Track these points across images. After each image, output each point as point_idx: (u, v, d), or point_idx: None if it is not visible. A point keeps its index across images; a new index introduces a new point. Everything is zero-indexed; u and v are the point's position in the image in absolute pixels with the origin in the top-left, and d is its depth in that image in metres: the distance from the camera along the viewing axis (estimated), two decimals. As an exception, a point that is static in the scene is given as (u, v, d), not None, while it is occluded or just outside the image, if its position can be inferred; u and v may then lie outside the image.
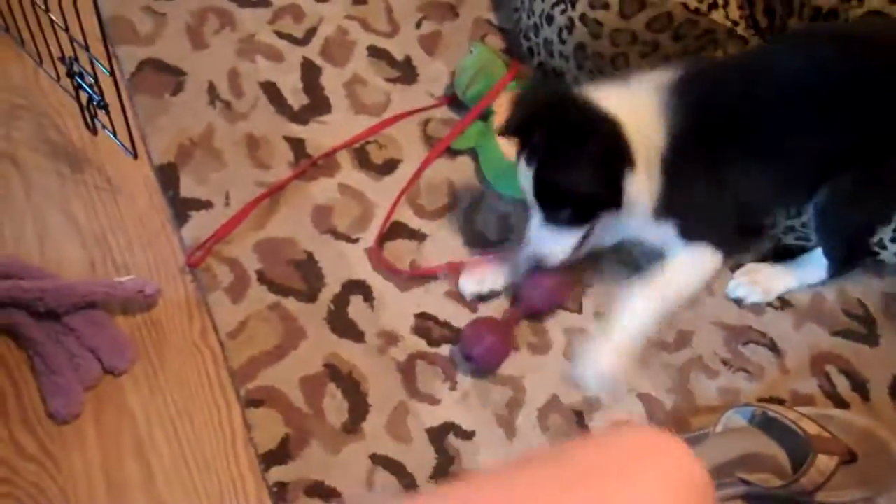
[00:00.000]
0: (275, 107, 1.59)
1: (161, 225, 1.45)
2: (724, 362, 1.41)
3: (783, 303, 1.48)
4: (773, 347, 1.43)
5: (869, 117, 1.30)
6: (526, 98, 1.39)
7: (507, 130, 1.37)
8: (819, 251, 1.44)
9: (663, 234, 1.36)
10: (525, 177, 1.32)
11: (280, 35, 1.69)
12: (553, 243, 1.35)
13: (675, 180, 1.31)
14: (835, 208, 1.35)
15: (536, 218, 1.35)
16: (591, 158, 1.27)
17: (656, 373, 1.39)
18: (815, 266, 1.46)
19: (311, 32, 1.70)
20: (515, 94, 1.48)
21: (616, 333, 1.32)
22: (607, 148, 1.28)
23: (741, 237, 1.45)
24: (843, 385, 1.41)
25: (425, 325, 1.40)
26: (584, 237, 1.36)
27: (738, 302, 1.48)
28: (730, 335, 1.44)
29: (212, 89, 1.59)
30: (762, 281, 1.48)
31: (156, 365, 1.33)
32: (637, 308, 1.34)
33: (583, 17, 1.50)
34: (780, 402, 1.37)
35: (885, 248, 1.45)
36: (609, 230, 1.40)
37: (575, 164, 1.28)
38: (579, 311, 1.44)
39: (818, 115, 1.30)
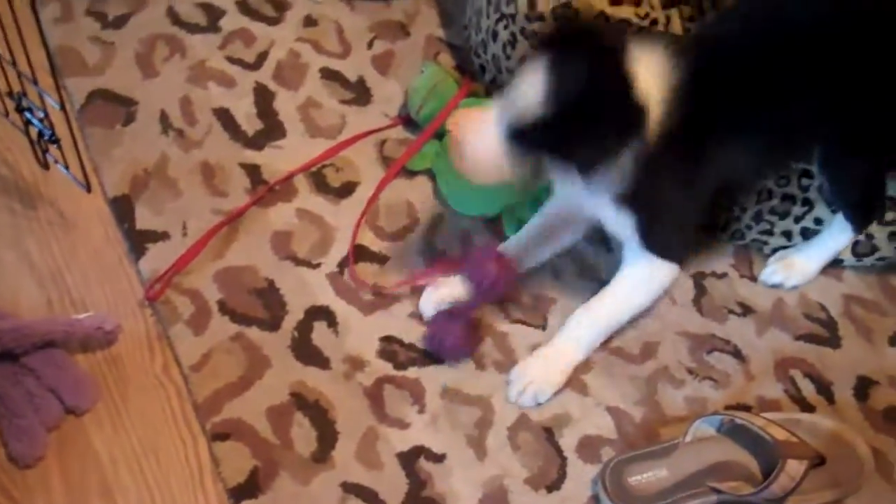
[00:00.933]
0: (229, 133, 1.58)
1: (118, 259, 1.43)
2: (690, 371, 1.42)
3: (745, 309, 1.49)
4: (737, 354, 1.44)
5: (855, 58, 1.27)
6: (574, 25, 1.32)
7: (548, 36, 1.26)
8: (838, 218, 1.46)
9: (620, 225, 1.33)
10: (527, 80, 1.20)
11: (231, 60, 1.68)
12: (481, 139, 1.23)
13: (650, 172, 1.23)
14: (837, 156, 1.37)
15: (495, 110, 1.23)
16: (602, 133, 1.18)
17: (623, 385, 1.39)
18: (836, 235, 1.47)
19: (263, 56, 1.69)
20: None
21: (553, 350, 1.38)
22: (621, 130, 1.18)
23: (699, 237, 1.45)
24: (808, 389, 1.41)
25: (391, 348, 1.39)
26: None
27: (776, 287, 1.51)
28: (694, 344, 1.44)
29: (164, 118, 1.58)
30: (797, 264, 1.50)
31: (118, 402, 1.30)
32: (577, 326, 1.38)
33: (523, 31, 1.51)
34: (747, 408, 1.38)
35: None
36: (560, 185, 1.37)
37: (587, 127, 1.17)
38: (544, 327, 1.44)
39: (811, 66, 1.27)
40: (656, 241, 1.34)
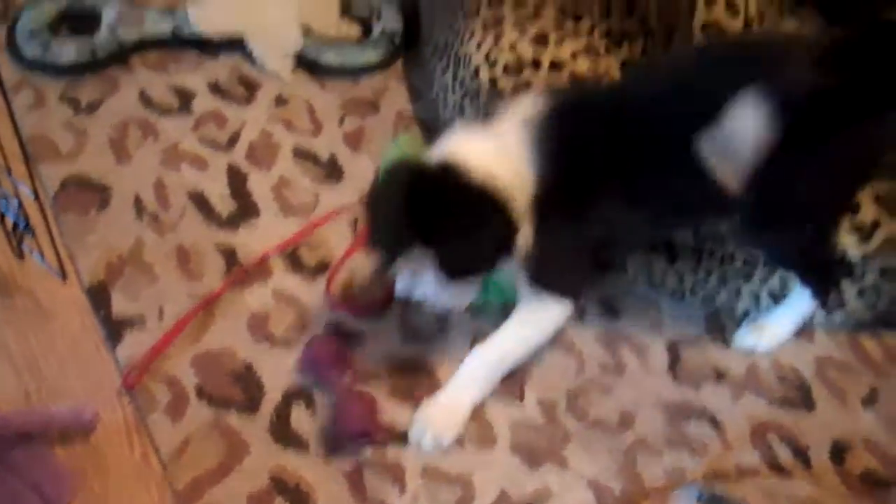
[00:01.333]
0: (203, 215, 1.59)
1: (95, 347, 1.43)
2: (668, 441, 1.42)
3: (719, 374, 1.50)
4: (713, 422, 1.45)
5: None
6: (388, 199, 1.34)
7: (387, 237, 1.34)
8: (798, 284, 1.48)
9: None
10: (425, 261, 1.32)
11: (204, 142, 1.70)
12: (455, 294, 1.39)
13: (538, 227, 1.33)
14: (750, 233, 1.40)
15: (432, 275, 1.34)
16: (485, 244, 1.31)
17: (602, 458, 1.40)
18: (801, 299, 1.49)
19: (235, 137, 1.71)
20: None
21: (450, 392, 1.39)
22: (496, 231, 1.30)
23: (593, 276, 1.49)
24: (784, 454, 1.42)
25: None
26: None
27: (749, 351, 1.54)
28: (671, 413, 1.45)
29: (138, 202, 1.59)
30: (767, 328, 1.53)
31: (98, 494, 1.29)
32: (473, 367, 1.40)
33: (486, 106, 1.54)
34: (725, 476, 1.39)
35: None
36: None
37: (472, 249, 1.31)
38: (521, 398, 1.45)
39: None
40: (543, 281, 1.37)
